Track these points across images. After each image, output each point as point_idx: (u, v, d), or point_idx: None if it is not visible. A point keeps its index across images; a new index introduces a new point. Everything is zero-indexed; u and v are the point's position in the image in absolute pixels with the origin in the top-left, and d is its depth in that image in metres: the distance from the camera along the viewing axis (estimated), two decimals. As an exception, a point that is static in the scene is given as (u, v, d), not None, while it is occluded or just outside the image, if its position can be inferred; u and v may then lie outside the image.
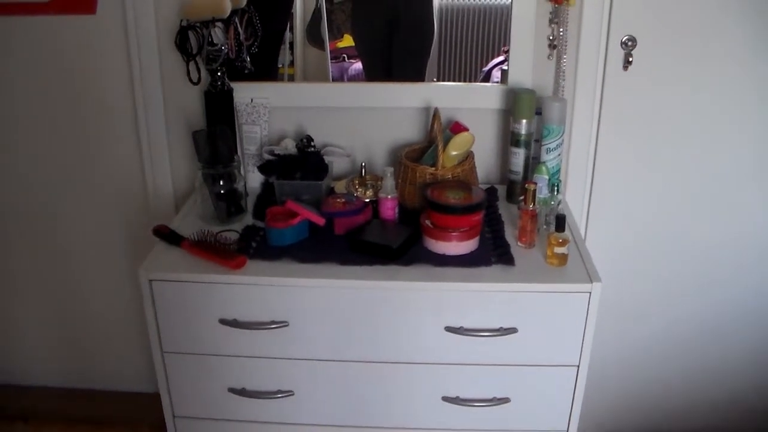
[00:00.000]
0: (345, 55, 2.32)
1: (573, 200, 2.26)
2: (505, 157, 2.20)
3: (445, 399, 1.88)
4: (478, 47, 2.24)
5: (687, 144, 2.22)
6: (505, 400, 1.88)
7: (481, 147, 2.15)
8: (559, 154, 2.04)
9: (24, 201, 2.48)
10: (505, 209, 2.08)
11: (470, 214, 1.80)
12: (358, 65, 2.31)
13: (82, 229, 2.51)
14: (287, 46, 2.28)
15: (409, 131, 2.23)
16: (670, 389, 2.60)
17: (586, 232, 2.33)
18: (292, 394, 1.91)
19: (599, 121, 2.19)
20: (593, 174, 2.26)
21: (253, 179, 2.20)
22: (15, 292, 2.68)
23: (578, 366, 1.83)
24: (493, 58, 2.25)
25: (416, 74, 2.30)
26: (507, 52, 2.15)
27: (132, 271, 2.49)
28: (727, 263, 2.37)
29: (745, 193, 2.27)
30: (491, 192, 2.16)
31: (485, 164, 2.25)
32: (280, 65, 2.30)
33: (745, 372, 2.56)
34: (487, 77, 2.27)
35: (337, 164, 2.21)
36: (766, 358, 2.53)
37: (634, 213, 2.32)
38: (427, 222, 1.83)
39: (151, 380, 2.66)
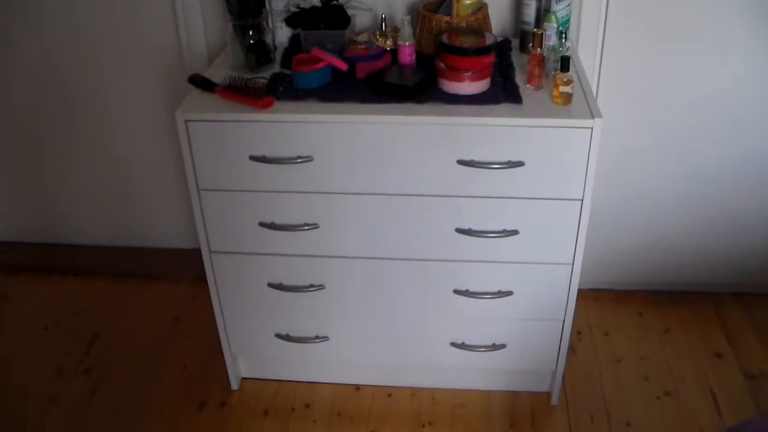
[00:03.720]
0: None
1: (585, 54, 2.33)
2: (518, 11, 2.28)
3: (459, 231, 2.03)
4: None
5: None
6: (514, 232, 2.02)
7: (495, 1, 2.25)
8: (568, 4, 2.12)
9: (62, 63, 2.61)
10: (517, 59, 2.17)
11: (481, 56, 1.91)
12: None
13: (120, 86, 2.64)
14: None
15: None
16: (676, 241, 2.70)
17: (598, 87, 2.40)
18: (317, 227, 2.07)
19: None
20: (605, 28, 2.32)
21: (281, 35, 2.30)
22: (61, 154, 2.84)
23: (582, 200, 1.95)
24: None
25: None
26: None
27: (169, 123, 2.66)
28: (738, 117, 2.43)
29: (751, 54, 2.33)
30: (505, 43, 2.25)
31: (500, 18, 2.33)
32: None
33: (750, 225, 2.65)
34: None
35: (360, 19, 2.31)
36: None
37: (645, 67, 2.37)
38: (441, 64, 1.95)
39: (189, 237, 2.86)
